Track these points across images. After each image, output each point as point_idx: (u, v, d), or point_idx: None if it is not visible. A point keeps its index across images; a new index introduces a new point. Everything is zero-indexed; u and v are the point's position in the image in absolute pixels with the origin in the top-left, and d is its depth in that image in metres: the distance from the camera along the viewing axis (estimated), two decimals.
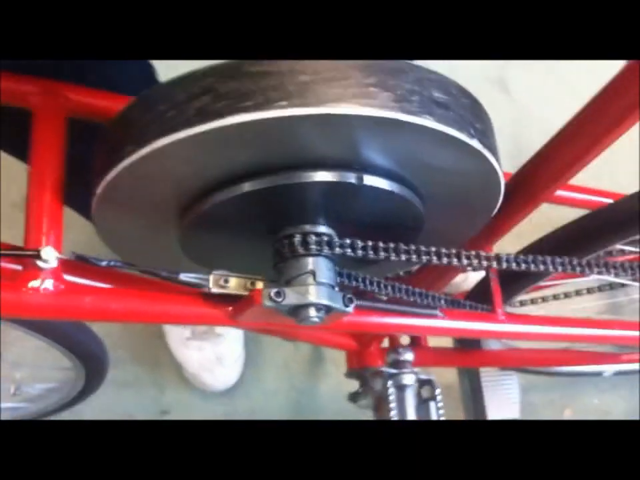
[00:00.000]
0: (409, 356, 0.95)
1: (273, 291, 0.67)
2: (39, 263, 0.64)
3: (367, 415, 1.02)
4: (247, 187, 0.64)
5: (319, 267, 0.69)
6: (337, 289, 0.71)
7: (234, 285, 0.70)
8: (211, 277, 0.70)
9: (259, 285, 0.71)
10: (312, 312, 0.67)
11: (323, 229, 0.70)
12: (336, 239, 0.69)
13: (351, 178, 0.64)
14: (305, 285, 0.68)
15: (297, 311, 0.68)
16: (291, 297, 0.67)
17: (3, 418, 1.34)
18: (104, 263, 0.66)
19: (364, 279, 0.77)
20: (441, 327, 0.83)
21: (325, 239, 0.69)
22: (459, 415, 1.42)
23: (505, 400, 1.41)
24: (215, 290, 0.70)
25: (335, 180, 0.64)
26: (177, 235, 0.72)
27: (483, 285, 0.95)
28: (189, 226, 0.69)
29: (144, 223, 0.71)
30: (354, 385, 1.08)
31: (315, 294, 0.67)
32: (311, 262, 0.69)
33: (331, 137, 0.60)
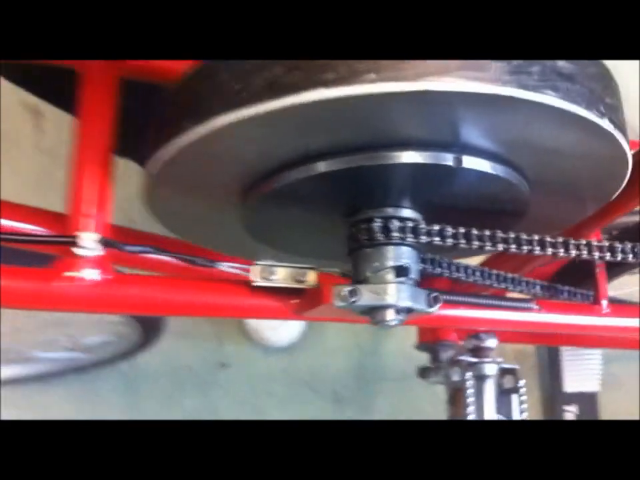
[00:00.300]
0: (491, 342, 0.85)
1: (346, 289, 0.57)
2: (78, 250, 0.56)
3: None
4: (322, 166, 0.54)
5: (402, 258, 0.59)
6: (418, 282, 0.61)
7: (281, 276, 0.61)
8: (255, 268, 0.61)
9: (311, 276, 0.61)
10: (390, 315, 0.58)
11: (407, 212, 0.60)
12: (422, 225, 0.59)
13: (447, 160, 0.53)
14: (384, 282, 0.58)
15: (373, 312, 0.59)
16: (366, 296, 0.58)
17: (59, 367, 1.32)
18: (136, 249, 0.58)
19: (449, 265, 0.67)
20: (537, 321, 0.73)
21: (410, 224, 0.59)
22: (533, 385, 1.33)
23: (584, 373, 1.31)
24: (259, 282, 0.60)
25: (427, 162, 0.53)
26: (240, 213, 0.62)
27: (578, 271, 0.83)
28: (253, 205, 0.60)
29: (202, 201, 0.62)
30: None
31: (396, 294, 0.58)
32: (392, 252, 0.59)
33: (426, 115, 0.50)
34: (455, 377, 0.87)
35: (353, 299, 0.57)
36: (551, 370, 1.29)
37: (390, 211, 0.59)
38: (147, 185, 0.58)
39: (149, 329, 1.16)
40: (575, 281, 0.81)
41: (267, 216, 0.62)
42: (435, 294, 0.60)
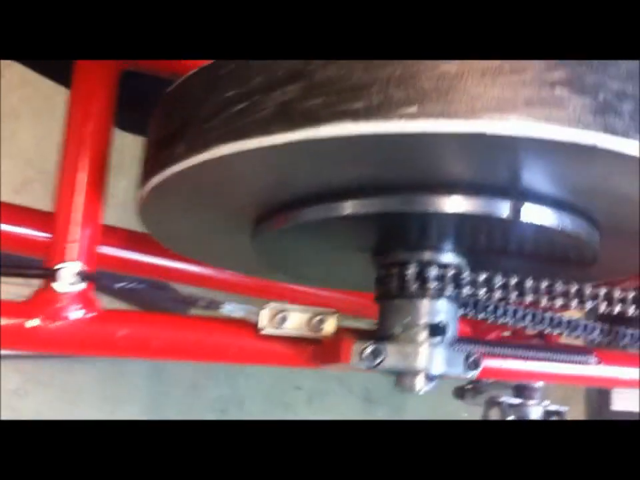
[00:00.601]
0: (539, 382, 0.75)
1: (368, 349, 0.48)
2: (58, 286, 0.47)
3: None
4: (348, 208, 0.44)
5: (438, 315, 0.49)
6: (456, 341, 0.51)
7: (295, 323, 0.52)
8: (264, 313, 0.51)
9: (331, 324, 0.52)
10: (420, 382, 0.48)
11: (448, 257, 0.50)
12: (466, 274, 0.48)
13: (503, 210, 0.43)
14: (414, 342, 0.48)
15: (401, 376, 0.49)
16: (393, 358, 0.48)
17: None
18: (127, 285, 0.49)
19: (495, 309, 0.57)
20: (595, 376, 0.63)
21: (451, 273, 0.48)
22: (579, 398, 1.23)
23: (634, 391, 1.20)
24: (268, 330, 0.51)
25: (477, 212, 0.42)
26: (248, 239, 0.53)
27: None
28: (262, 237, 0.50)
29: (205, 224, 0.53)
30: None
31: (428, 358, 0.48)
32: (427, 306, 0.49)
33: (480, 158, 0.39)
34: (493, 418, 0.77)
35: (377, 360, 0.48)
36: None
37: (427, 254, 0.49)
38: (141, 206, 0.49)
39: None
40: None
41: (279, 247, 0.53)
42: (474, 356, 0.51)
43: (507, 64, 0.36)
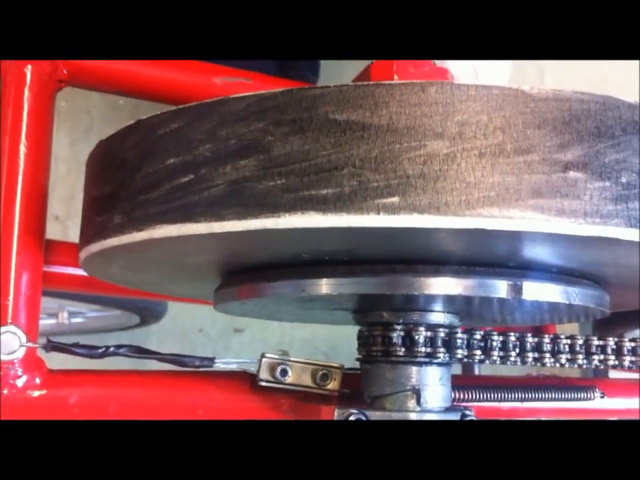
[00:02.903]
0: None
1: (351, 416, 0.43)
2: None
3: None
4: (325, 288, 0.37)
5: (428, 381, 0.43)
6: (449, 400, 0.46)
7: (295, 376, 0.46)
8: (263, 362, 0.46)
9: (337, 379, 0.47)
10: None
11: (439, 317, 0.44)
12: (459, 335, 0.42)
13: (500, 290, 0.36)
14: (402, 410, 0.43)
15: None
16: None
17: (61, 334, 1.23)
18: (98, 352, 0.44)
19: (490, 347, 0.52)
20: (600, 409, 0.58)
21: (442, 334, 0.42)
22: None
23: None
24: (267, 383, 0.46)
25: (469, 294, 0.36)
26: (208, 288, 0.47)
27: None
28: (226, 304, 0.44)
29: (154, 277, 0.47)
30: None
31: None
32: (414, 374, 0.43)
33: (478, 245, 0.33)
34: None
35: None
36: None
37: (415, 316, 0.43)
38: (83, 265, 0.42)
39: (148, 318, 1.05)
40: None
41: (244, 309, 0.47)
42: (469, 417, 0.45)
43: (508, 142, 0.29)
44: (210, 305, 1.26)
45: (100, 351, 0.43)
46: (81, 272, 0.55)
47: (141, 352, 0.44)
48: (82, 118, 1.24)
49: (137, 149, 0.35)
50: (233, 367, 0.47)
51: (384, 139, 0.29)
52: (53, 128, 0.48)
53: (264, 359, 0.46)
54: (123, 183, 0.35)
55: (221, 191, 0.31)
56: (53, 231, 0.56)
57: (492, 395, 0.51)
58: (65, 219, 1.19)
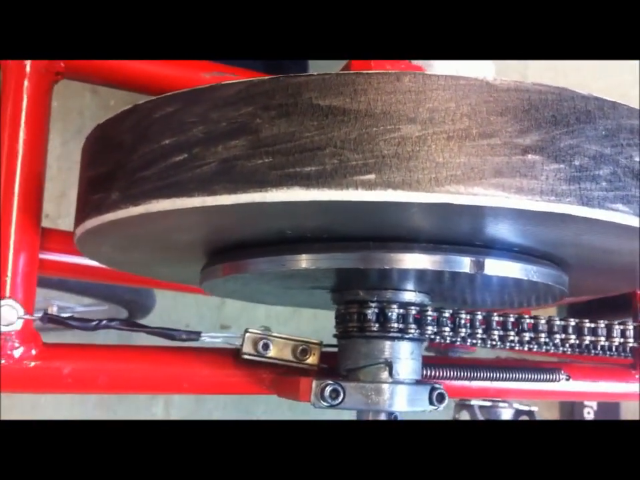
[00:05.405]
0: None
1: (327, 388, 0.46)
2: None
3: None
4: (302, 262, 0.40)
5: (400, 355, 0.47)
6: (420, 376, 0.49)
7: (277, 350, 0.49)
8: (246, 337, 0.49)
9: (315, 354, 0.50)
10: (382, 419, 0.47)
11: (411, 296, 0.47)
12: (429, 313, 0.46)
13: (464, 265, 0.40)
14: (375, 381, 0.46)
15: (362, 413, 0.47)
16: (353, 398, 0.46)
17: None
18: (91, 325, 0.46)
19: (458, 327, 0.55)
20: (566, 390, 0.61)
21: (413, 311, 0.46)
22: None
23: None
24: (249, 356, 0.49)
25: (436, 269, 0.39)
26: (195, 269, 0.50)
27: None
28: (210, 281, 0.47)
29: (144, 257, 0.49)
30: None
31: (390, 397, 0.46)
32: (387, 348, 0.46)
33: (444, 221, 0.36)
34: (464, 418, 0.76)
35: (336, 400, 0.46)
36: None
37: (388, 293, 0.46)
38: (78, 243, 0.45)
39: (136, 312, 1.06)
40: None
41: (227, 287, 0.50)
42: (439, 391, 0.49)
43: (473, 127, 0.32)
44: (196, 300, 1.29)
45: (93, 323, 0.46)
46: (73, 259, 0.57)
47: (131, 325, 0.47)
48: (74, 118, 1.25)
49: (133, 131, 0.37)
50: (219, 340, 0.50)
51: (362, 122, 0.32)
52: (49, 118, 0.51)
53: (247, 334, 0.49)
54: (119, 163, 0.38)
55: (212, 168, 0.34)
56: None
57: (460, 373, 0.55)
58: (55, 217, 1.20)
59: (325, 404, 0.45)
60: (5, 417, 1.01)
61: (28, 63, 0.49)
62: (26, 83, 0.49)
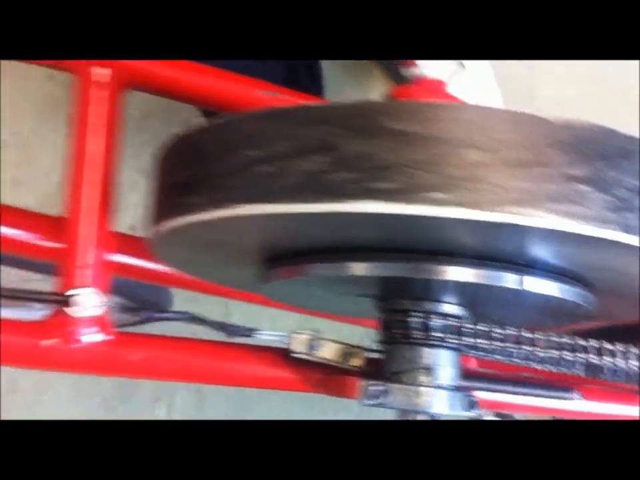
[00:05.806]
0: None
1: (375, 388, 0.50)
2: (72, 311, 0.49)
3: None
4: (359, 269, 0.45)
5: (439, 362, 0.51)
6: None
7: (327, 352, 0.54)
8: (297, 337, 0.54)
9: (359, 357, 0.54)
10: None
11: (450, 308, 0.52)
12: (468, 325, 0.50)
13: (506, 280, 0.44)
14: (416, 384, 0.51)
15: (404, 413, 0.52)
16: (397, 398, 0.50)
17: None
18: (159, 316, 0.51)
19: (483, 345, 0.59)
20: (578, 410, 0.65)
21: (453, 322, 0.50)
22: None
23: None
24: (299, 354, 0.53)
25: (480, 282, 0.44)
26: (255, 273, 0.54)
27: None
28: (271, 282, 0.51)
29: (212, 259, 0.54)
30: None
31: (430, 400, 0.50)
32: (428, 355, 0.51)
33: (495, 238, 0.40)
34: None
35: (382, 399, 0.50)
36: None
37: (429, 306, 0.51)
38: (154, 241, 0.49)
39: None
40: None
41: (284, 290, 0.54)
42: (474, 399, 0.53)
43: (530, 156, 0.37)
44: (203, 308, 1.31)
45: (160, 315, 0.51)
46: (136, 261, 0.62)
47: (195, 318, 0.52)
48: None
49: (218, 142, 0.42)
50: (270, 338, 0.54)
51: (433, 146, 0.37)
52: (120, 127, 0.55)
53: (296, 334, 0.54)
54: (204, 170, 0.42)
55: (297, 179, 0.39)
56: None
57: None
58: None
59: (371, 402, 0.50)
60: (4, 417, 1.03)
61: (96, 72, 0.53)
62: (95, 92, 0.53)
